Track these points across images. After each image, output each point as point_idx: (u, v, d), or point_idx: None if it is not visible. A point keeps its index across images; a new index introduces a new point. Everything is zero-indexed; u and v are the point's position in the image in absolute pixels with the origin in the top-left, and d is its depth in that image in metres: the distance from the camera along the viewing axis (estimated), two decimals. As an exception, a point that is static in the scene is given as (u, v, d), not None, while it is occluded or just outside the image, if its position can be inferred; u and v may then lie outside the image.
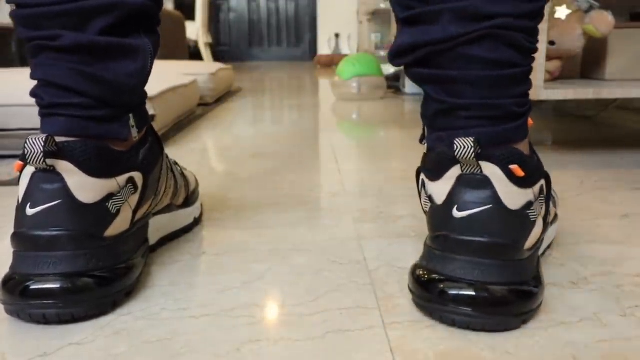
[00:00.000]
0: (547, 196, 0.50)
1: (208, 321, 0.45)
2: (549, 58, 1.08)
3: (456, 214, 0.45)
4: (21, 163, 0.46)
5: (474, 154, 0.43)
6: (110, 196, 0.48)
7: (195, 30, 4.16)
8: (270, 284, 0.52)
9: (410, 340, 0.42)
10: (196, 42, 4.21)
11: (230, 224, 0.70)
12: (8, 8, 2.61)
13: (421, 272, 0.46)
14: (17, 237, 0.46)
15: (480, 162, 0.44)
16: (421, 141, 0.53)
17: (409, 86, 2.35)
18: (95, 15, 0.47)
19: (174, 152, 1.17)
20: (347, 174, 0.95)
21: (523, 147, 0.48)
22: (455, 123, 0.47)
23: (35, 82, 0.49)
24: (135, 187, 0.51)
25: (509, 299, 0.43)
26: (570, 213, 0.71)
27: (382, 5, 3.21)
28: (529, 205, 0.45)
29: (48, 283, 0.44)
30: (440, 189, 0.47)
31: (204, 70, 1.95)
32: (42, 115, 0.49)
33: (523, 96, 0.47)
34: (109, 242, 0.48)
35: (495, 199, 0.44)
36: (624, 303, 0.47)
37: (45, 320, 0.45)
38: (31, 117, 1.11)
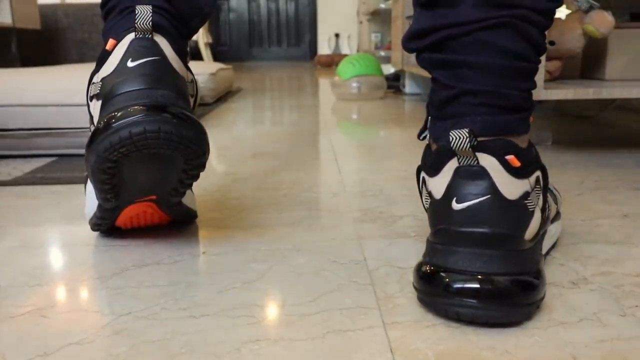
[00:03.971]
0: (544, 188, 0.50)
1: (208, 321, 0.45)
2: (549, 58, 1.08)
3: (455, 206, 0.45)
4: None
5: (469, 145, 0.44)
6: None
7: (195, 30, 4.16)
8: (270, 284, 0.52)
9: (410, 340, 0.42)
10: (196, 42, 4.20)
11: (230, 223, 0.70)
12: (8, 8, 2.59)
13: (425, 268, 0.46)
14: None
15: (477, 154, 0.45)
16: (419, 136, 0.53)
17: (409, 86, 2.35)
18: None
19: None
20: (347, 174, 0.95)
21: (522, 141, 0.48)
22: (462, 109, 0.47)
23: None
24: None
25: (513, 289, 0.43)
26: (570, 213, 0.71)
27: (382, 5, 3.21)
28: (526, 195, 0.46)
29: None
30: (439, 183, 0.47)
31: (203, 70, 1.95)
32: (120, 11, 0.59)
33: (529, 93, 0.48)
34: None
35: (493, 189, 0.45)
36: (623, 303, 0.47)
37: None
38: (31, 117, 1.11)
